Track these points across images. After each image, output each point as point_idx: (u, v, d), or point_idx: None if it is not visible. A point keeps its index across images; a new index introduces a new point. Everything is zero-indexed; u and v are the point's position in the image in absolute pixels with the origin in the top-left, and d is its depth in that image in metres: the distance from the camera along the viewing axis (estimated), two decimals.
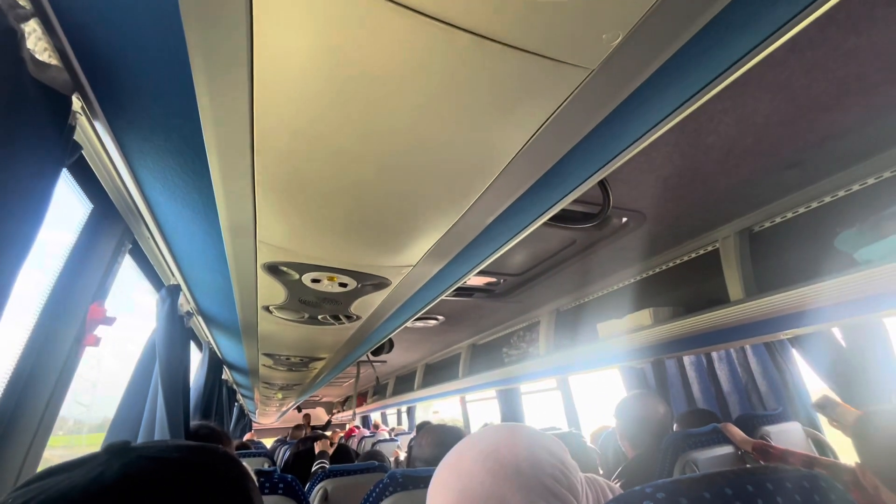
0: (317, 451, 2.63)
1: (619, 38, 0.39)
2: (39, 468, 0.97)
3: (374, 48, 0.40)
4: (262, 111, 0.49)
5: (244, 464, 0.46)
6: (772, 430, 1.87)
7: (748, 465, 1.59)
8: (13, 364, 0.93)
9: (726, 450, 1.66)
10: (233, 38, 0.40)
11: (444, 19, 0.37)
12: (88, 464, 0.36)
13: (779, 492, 0.53)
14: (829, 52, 0.93)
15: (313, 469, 2.16)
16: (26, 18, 0.52)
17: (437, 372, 4.26)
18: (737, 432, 1.71)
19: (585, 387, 3.28)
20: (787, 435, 1.88)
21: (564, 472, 0.56)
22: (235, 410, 5.33)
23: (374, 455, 2.87)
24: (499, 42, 0.39)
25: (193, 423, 1.63)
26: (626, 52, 0.42)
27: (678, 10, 0.38)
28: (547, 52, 0.41)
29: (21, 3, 0.51)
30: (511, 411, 3.47)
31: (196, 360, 2.56)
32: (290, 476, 1.37)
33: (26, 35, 0.56)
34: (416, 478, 1.22)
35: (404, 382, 5.25)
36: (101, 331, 1.10)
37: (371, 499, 1.22)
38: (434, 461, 1.35)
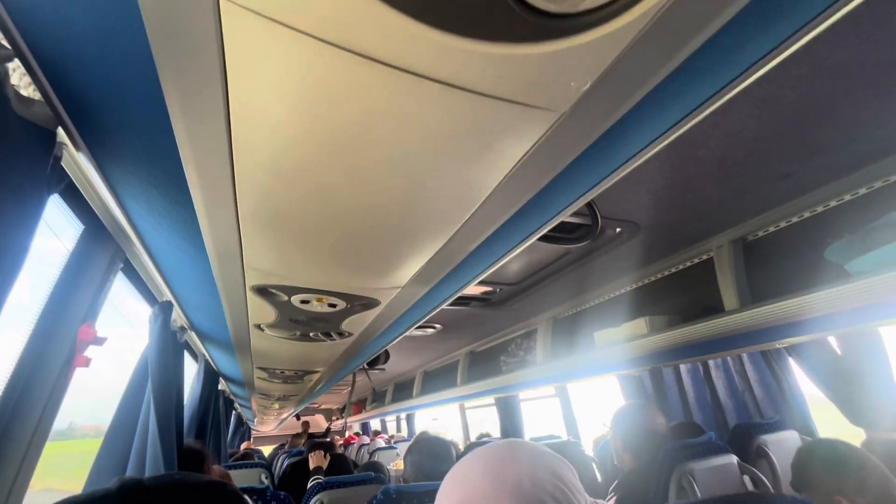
0: (311, 466, 2.60)
1: (588, 84, 0.40)
2: (29, 489, 0.97)
3: (345, 98, 0.41)
4: (241, 152, 0.50)
5: (245, 497, 0.47)
6: (769, 438, 1.86)
7: (746, 480, 1.57)
8: (2, 385, 0.93)
9: (724, 460, 1.64)
10: (207, 86, 0.40)
11: (414, 70, 0.37)
12: (102, 502, 0.37)
13: None
14: (815, 68, 0.94)
15: (309, 486, 2.15)
16: (8, 59, 0.53)
17: (436, 379, 4.25)
18: None
19: (584, 394, 3.27)
20: (784, 444, 1.86)
21: (566, 492, 0.56)
22: (233, 419, 5.31)
23: (373, 466, 2.86)
24: (467, 90, 0.40)
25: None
26: (596, 96, 0.42)
27: (646, 58, 0.38)
28: (516, 99, 0.41)
29: (4, 43, 0.52)
30: (510, 419, 3.45)
31: (193, 372, 2.56)
32: (282, 493, 1.36)
33: (11, 71, 0.57)
34: (409, 493, 1.21)
35: (403, 390, 5.23)
36: (91, 351, 1.10)
37: None
38: (426, 474, 1.37)
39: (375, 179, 0.54)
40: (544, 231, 0.80)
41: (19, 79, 0.58)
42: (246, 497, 0.48)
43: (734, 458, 1.62)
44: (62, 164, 0.71)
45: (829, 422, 2.07)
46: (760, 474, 1.62)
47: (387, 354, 3.21)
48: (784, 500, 0.54)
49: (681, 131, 0.52)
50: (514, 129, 0.46)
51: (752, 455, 1.85)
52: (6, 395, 0.93)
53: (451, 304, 2.23)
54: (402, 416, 6.49)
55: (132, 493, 0.38)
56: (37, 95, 0.58)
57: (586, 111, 0.44)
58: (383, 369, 4.34)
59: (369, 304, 1.10)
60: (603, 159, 0.56)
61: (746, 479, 1.61)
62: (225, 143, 0.48)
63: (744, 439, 1.89)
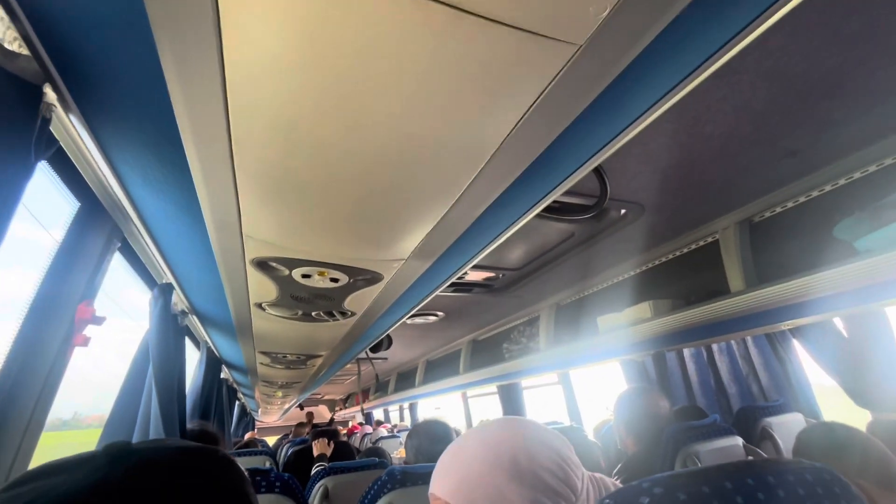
0: (315, 453, 2.62)
1: (607, 11, 0.37)
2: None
3: (345, 29, 0.38)
4: (237, 100, 0.47)
5: (240, 466, 0.46)
6: (773, 421, 1.86)
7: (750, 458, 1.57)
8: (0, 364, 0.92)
9: (729, 441, 1.63)
10: (200, 25, 0.38)
11: None
12: (88, 465, 0.35)
13: (781, 485, 0.52)
14: (828, 37, 0.91)
15: (312, 472, 2.16)
16: None
17: (439, 368, 4.26)
18: None
19: (587, 381, 3.28)
20: (789, 426, 1.86)
21: (563, 466, 0.56)
22: (237, 409, 5.34)
23: (375, 451, 2.87)
24: (478, 15, 0.37)
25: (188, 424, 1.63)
26: (616, 26, 0.40)
27: None
28: (530, 27, 0.38)
29: None
30: (512, 406, 3.46)
31: (195, 360, 2.55)
32: (286, 475, 1.36)
33: None
34: (414, 474, 1.21)
35: (406, 379, 5.25)
36: (90, 330, 1.09)
37: (370, 496, 1.21)
38: (426, 457, 1.37)
39: (377, 130, 0.52)
40: (551, 199, 0.77)
41: (3, 32, 0.56)
42: (240, 466, 0.46)
43: (739, 440, 1.62)
44: (51, 129, 0.69)
45: (834, 409, 2.07)
46: (766, 456, 1.61)
47: (389, 340, 3.21)
48: (802, 465, 0.52)
49: (700, 78, 0.49)
50: (527, 65, 0.43)
51: (756, 437, 1.85)
52: (4, 373, 0.92)
53: (452, 291, 2.23)
54: (405, 405, 6.53)
55: (118, 456, 0.36)
56: (23, 50, 0.56)
57: (604, 45, 0.42)
58: (385, 358, 4.34)
59: (372, 278, 1.08)
60: (617, 110, 0.54)
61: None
62: (220, 93, 0.46)
63: (748, 422, 1.89)
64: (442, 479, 0.59)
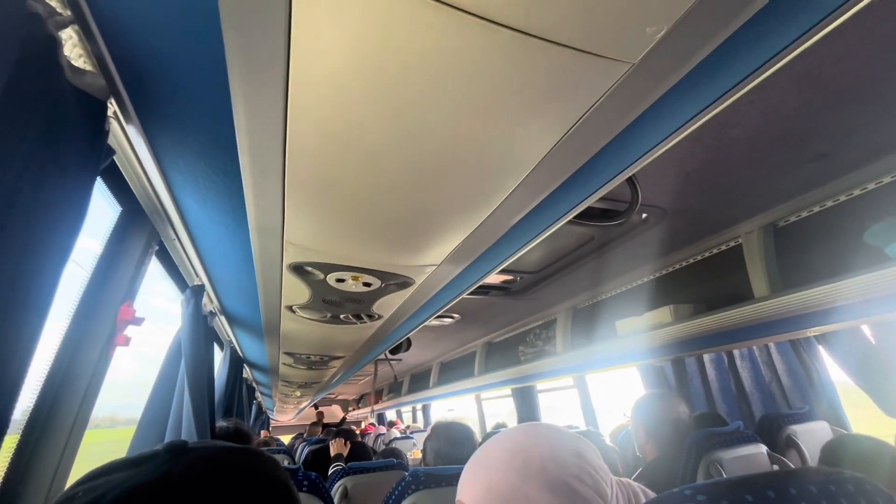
0: (332, 453, 2.65)
1: (664, 31, 0.38)
2: (74, 465, 1.00)
3: (411, 46, 0.40)
4: (296, 112, 0.50)
5: (279, 463, 0.49)
6: (798, 429, 1.83)
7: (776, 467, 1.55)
8: (49, 364, 0.96)
9: (753, 449, 1.61)
10: (270, 40, 0.40)
11: (484, 15, 0.36)
12: (151, 462, 0.39)
13: (823, 495, 0.52)
14: (861, 39, 0.90)
15: (329, 472, 2.18)
16: (65, 26, 0.53)
17: (453, 370, 4.27)
18: None
19: (603, 384, 3.25)
20: (814, 435, 1.82)
21: (591, 473, 0.56)
22: (254, 408, 5.42)
23: (392, 452, 2.89)
24: (540, 38, 0.39)
25: (220, 422, 1.67)
26: (669, 46, 0.41)
27: (723, 2, 0.37)
28: (589, 47, 0.40)
29: (60, 10, 0.53)
30: (527, 409, 3.45)
31: (217, 360, 2.61)
32: (313, 474, 1.38)
33: (64, 42, 0.58)
34: (437, 476, 1.22)
35: (420, 380, 5.26)
36: (130, 330, 1.13)
37: (394, 497, 1.22)
38: (445, 460, 1.37)
39: (429, 141, 0.53)
40: (584, 206, 0.78)
41: (70, 49, 0.59)
42: (280, 463, 0.49)
43: (763, 448, 1.59)
44: (108, 141, 0.72)
45: (859, 408, 2.03)
46: (791, 465, 1.59)
47: (409, 342, 3.23)
48: (843, 475, 0.52)
49: (741, 93, 0.50)
50: (582, 82, 0.44)
51: (780, 445, 1.81)
52: (53, 372, 0.96)
53: (469, 293, 2.24)
54: (418, 406, 6.54)
55: (178, 453, 0.40)
56: (87, 67, 0.59)
57: (656, 64, 0.43)
58: (400, 359, 4.36)
59: (403, 283, 1.10)
60: (658, 124, 0.55)
61: (776, 469, 1.58)
62: (281, 105, 0.48)
63: (772, 429, 1.86)
64: (470, 485, 0.59)
